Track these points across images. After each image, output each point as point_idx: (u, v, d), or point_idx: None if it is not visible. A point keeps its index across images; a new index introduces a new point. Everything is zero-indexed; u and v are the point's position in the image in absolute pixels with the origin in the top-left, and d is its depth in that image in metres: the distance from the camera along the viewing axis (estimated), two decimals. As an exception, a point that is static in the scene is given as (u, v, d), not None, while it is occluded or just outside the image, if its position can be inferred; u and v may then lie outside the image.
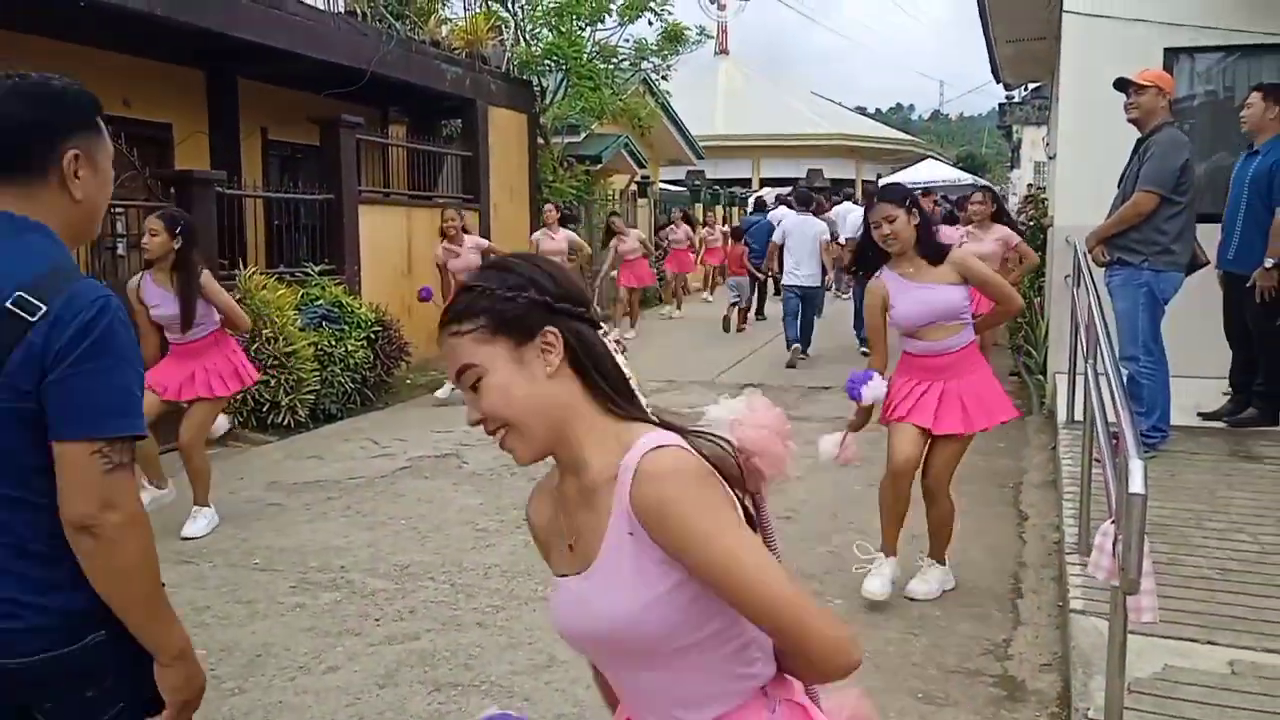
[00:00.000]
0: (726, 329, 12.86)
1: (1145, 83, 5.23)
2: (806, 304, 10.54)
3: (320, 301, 8.37)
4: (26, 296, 1.55)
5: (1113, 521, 2.47)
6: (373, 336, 8.54)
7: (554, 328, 1.35)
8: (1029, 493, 5.62)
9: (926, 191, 11.93)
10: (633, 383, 1.40)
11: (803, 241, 10.53)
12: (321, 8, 9.64)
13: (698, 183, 22.26)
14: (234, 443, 7.25)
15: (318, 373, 7.82)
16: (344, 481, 6.16)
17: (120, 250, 7.86)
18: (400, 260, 10.46)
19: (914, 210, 3.91)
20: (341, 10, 10.04)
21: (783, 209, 13.15)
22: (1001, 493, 5.66)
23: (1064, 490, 4.96)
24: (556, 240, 10.71)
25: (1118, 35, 7.06)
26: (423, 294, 8.98)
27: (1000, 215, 7.93)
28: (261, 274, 7.97)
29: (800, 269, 10.47)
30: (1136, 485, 2.25)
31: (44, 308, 1.55)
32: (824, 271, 11.00)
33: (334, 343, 8.10)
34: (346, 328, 8.33)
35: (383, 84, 10.07)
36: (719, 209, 21.75)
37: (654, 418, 1.38)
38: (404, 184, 11.41)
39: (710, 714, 1.36)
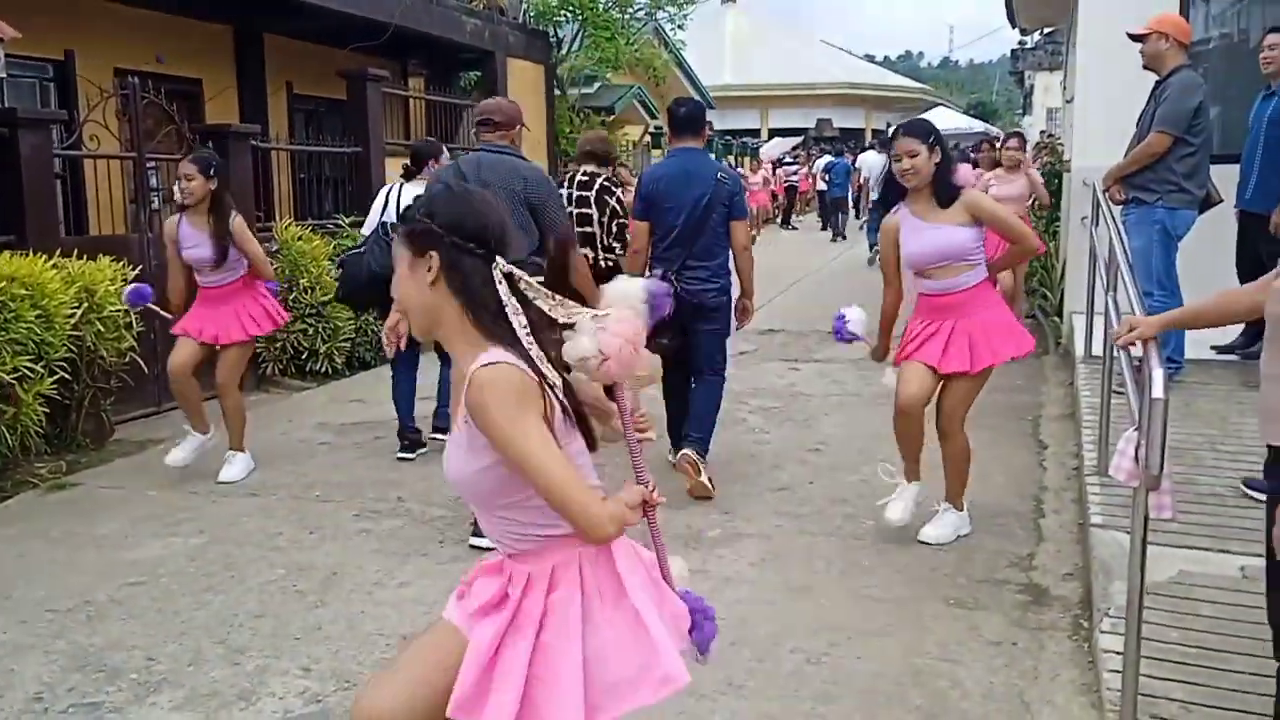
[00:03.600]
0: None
1: (1143, 30, 5.42)
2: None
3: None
4: (724, 173, 5.00)
5: (1135, 429, 2.70)
6: (403, 286, 8.77)
7: (435, 251, 1.77)
8: (1047, 425, 5.87)
9: None
10: (509, 309, 1.77)
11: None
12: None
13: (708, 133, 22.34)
14: (275, 389, 7.54)
15: (352, 321, 8.07)
16: (389, 421, 6.38)
17: (155, 204, 8.07)
18: (425, 212, 10.64)
19: (936, 148, 3.94)
20: (363, -37, 10.13)
21: (869, 153, 17.61)
22: (1021, 425, 5.91)
23: (1083, 420, 5.20)
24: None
25: (1135, -21, 7.15)
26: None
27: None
28: (295, 225, 8.19)
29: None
30: (1158, 391, 2.49)
31: (728, 178, 4.99)
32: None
33: (367, 292, 8.35)
34: (379, 277, 8.57)
35: (403, 37, 10.21)
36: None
37: (521, 336, 1.77)
38: (424, 136, 11.56)
39: (532, 545, 1.85)
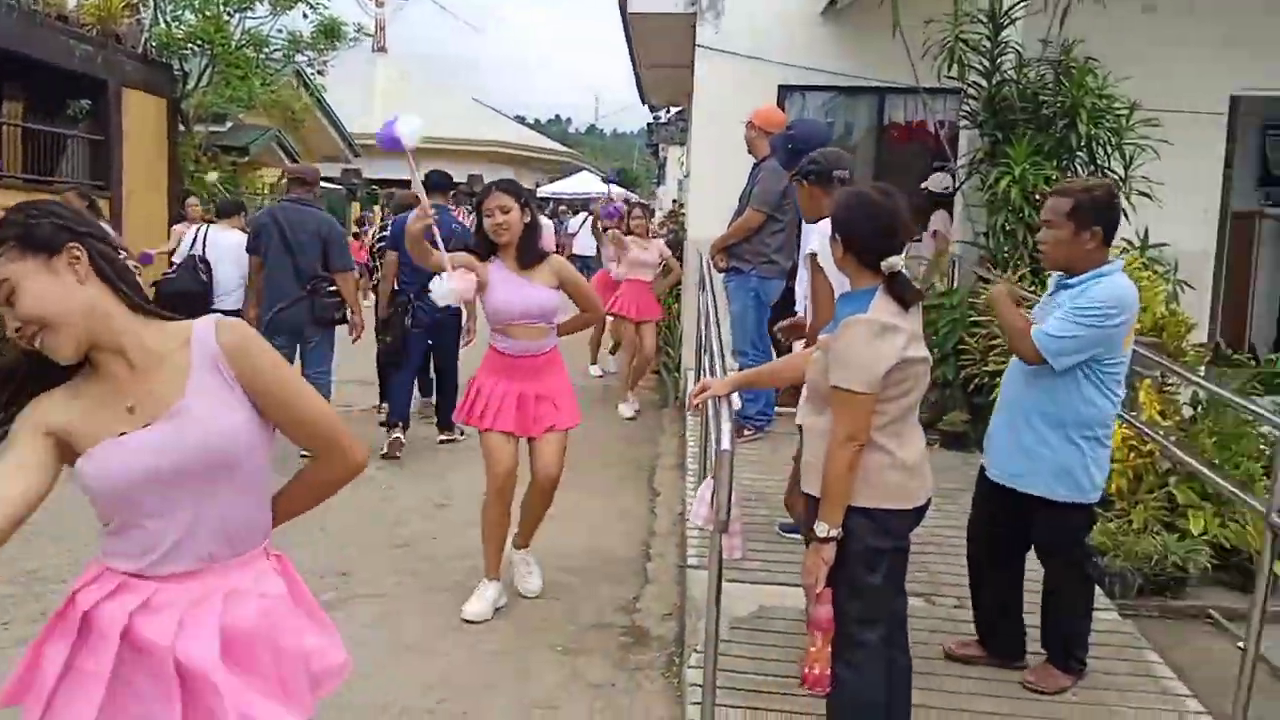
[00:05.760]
0: None
1: (745, 120, 6.08)
2: None
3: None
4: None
5: (713, 476, 2.96)
6: (-16, 331, 7.74)
7: (78, 244, 1.67)
8: (662, 474, 6.26)
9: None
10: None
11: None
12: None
13: (355, 181, 21.88)
14: None
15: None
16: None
17: None
18: (17, 249, 9.50)
19: (527, 209, 4.03)
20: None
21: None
22: (639, 475, 6.27)
23: (688, 468, 5.61)
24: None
25: (741, 71, 7.95)
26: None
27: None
28: None
29: None
30: (725, 443, 2.75)
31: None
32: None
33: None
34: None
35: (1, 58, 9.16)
36: (376, 208, 21.49)
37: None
38: (19, 166, 10.40)
39: (243, 550, 1.76)
